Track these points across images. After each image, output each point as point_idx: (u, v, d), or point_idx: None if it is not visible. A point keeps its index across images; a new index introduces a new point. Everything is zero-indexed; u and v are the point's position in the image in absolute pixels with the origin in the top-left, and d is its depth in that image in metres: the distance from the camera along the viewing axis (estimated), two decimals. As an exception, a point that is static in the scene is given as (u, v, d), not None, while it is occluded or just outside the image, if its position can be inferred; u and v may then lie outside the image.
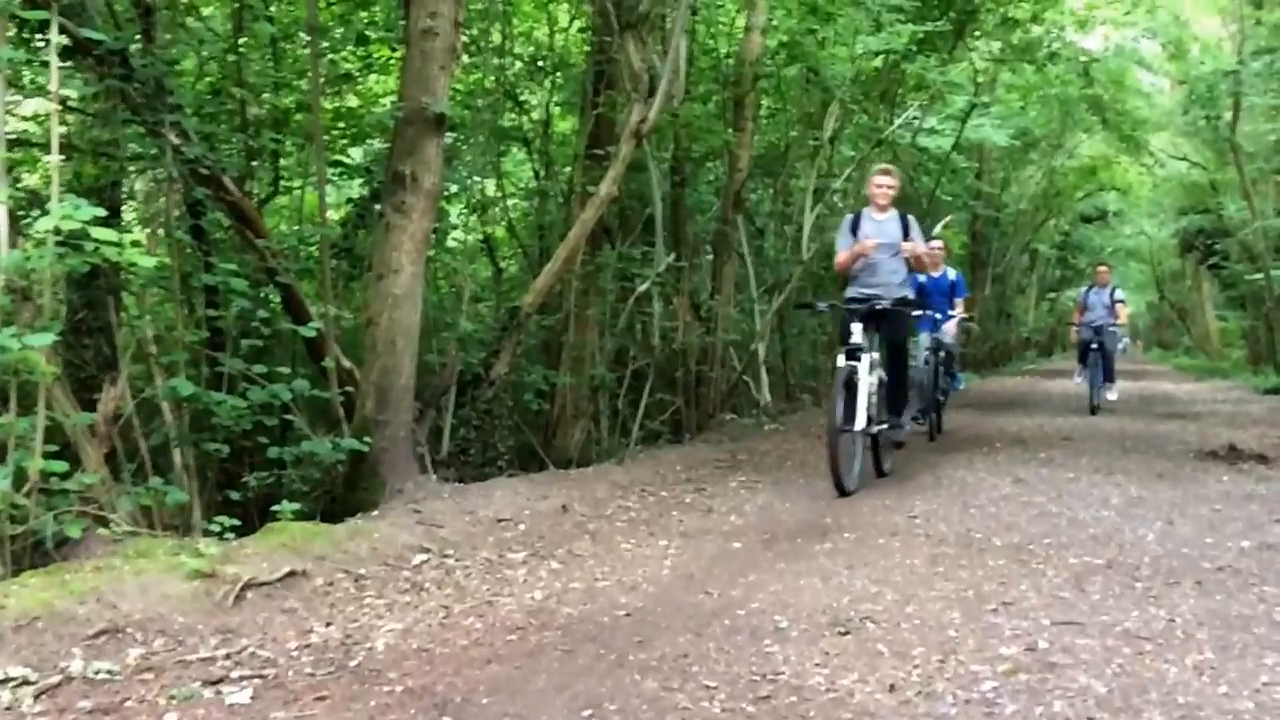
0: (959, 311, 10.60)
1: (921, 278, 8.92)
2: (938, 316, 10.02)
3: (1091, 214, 31.38)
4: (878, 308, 6.94)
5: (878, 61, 11.86)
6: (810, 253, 11.13)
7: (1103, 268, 14.02)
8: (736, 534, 5.52)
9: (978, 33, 14.18)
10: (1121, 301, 13.19)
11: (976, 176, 20.16)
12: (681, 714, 3.01)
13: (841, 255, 7.24)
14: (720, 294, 11.21)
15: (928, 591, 4.29)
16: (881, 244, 7.07)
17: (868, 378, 6.74)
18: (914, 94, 13.45)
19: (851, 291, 7.23)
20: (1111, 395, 13.19)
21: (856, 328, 6.79)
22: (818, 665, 3.41)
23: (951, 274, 10.58)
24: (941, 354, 10.20)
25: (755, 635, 3.73)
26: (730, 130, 11.16)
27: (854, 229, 7.23)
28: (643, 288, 9.42)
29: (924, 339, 10.05)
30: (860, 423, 6.66)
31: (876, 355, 6.99)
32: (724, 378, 11.05)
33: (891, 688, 3.20)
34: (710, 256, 11.97)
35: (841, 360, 6.75)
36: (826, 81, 11.20)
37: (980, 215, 21.72)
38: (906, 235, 7.13)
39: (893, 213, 7.22)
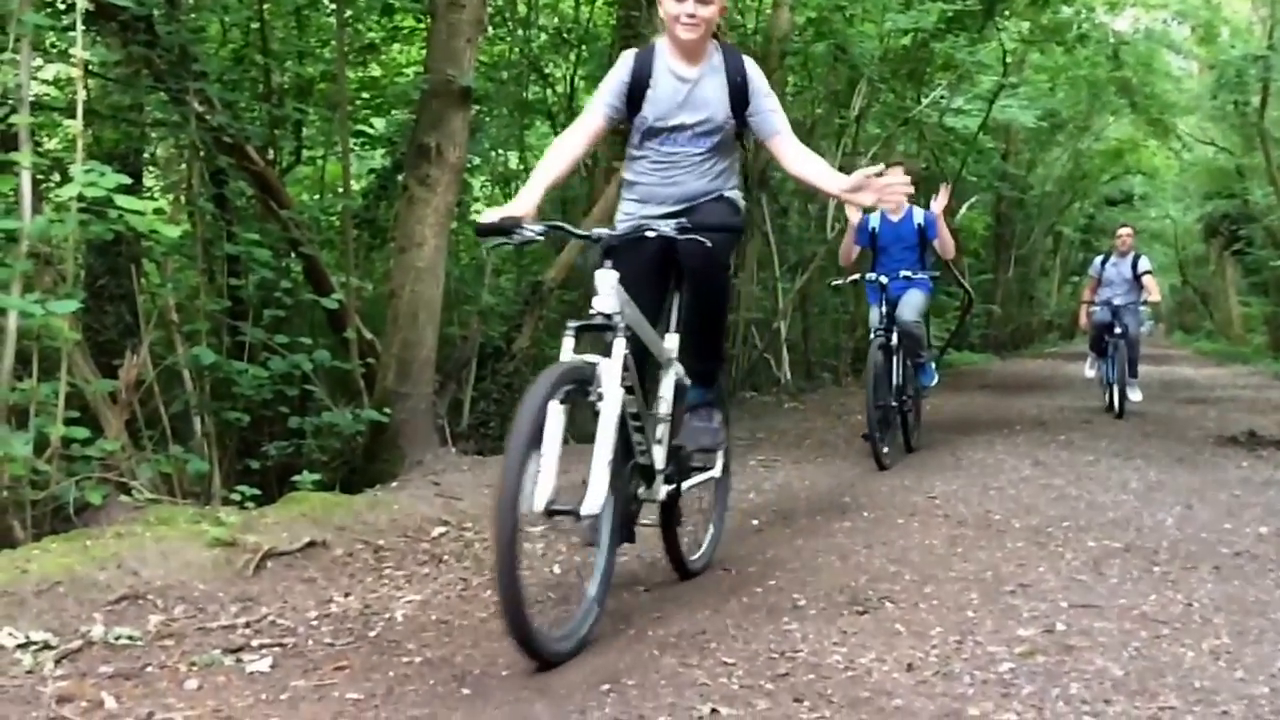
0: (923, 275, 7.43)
1: (873, 221, 7.37)
2: (885, 281, 7.20)
3: (1117, 197, 31.14)
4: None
5: (906, 39, 11.77)
6: (835, 232, 11.06)
7: (1124, 230, 11.08)
8: (755, 512, 5.51)
9: (1007, 12, 14.03)
10: (1149, 273, 10.55)
11: (1003, 157, 19.99)
12: (700, 689, 3.01)
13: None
14: (743, 271, 11.15)
15: (946, 572, 4.28)
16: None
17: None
18: (942, 73, 13.34)
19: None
20: (1135, 395, 10.54)
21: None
22: (836, 644, 3.40)
23: (919, 215, 7.51)
24: (901, 339, 7.12)
25: (773, 613, 3.73)
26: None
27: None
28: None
29: (872, 317, 7.44)
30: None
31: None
32: (745, 355, 11.02)
33: (909, 667, 3.19)
34: (733, 233, 11.91)
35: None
36: (854, 59, 11.11)
37: (1005, 197, 21.55)
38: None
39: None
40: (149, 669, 3.11)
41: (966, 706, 2.90)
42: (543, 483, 3.22)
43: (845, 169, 11.97)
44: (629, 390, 3.52)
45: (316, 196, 9.50)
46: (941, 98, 13.25)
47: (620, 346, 3.44)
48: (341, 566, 4.31)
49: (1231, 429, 9.13)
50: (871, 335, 7.23)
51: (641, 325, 3.67)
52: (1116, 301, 10.41)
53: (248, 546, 4.13)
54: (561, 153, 3.96)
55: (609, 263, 3.51)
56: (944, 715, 2.85)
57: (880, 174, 3.83)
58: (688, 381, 4.05)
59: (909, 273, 7.21)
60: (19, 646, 3.12)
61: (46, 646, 3.14)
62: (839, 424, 9.43)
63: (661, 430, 3.88)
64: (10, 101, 4.44)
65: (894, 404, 7.16)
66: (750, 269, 11.29)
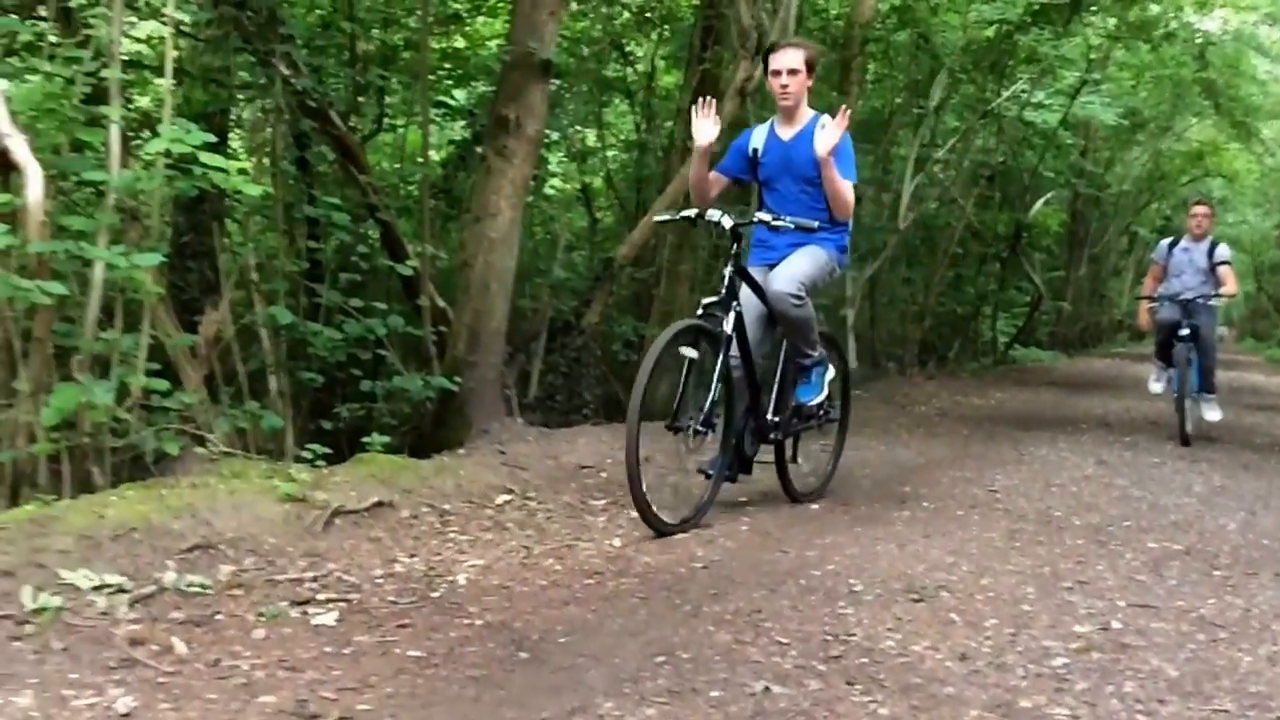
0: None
1: (755, 137, 5.20)
2: (769, 219, 4.91)
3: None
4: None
5: (990, 31, 11.58)
6: (908, 222, 10.94)
7: (1200, 208, 8.71)
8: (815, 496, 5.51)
9: (1094, 7, 13.76)
10: (1227, 263, 8.34)
11: (1081, 154, 19.57)
12: (753, 667, 3.04)
13: None
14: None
15: (1004, 565, 4.27)
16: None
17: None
18: (1024, 66, 13.10)
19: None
20: (1213, 414, 8.48)
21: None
22: (890, 630, 3.42)
23: (829, 133, 4.85)
24: (777, 327, 5.09)
25: (829, 596, 3.74)
26: (835, 93, 10.99)
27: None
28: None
29: (744, 298, 4.91)
30: None
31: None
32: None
33: (963, 656, 3.20)
34: (805, 218, 11.81)
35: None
36: (936, 48, 10.96)
37: (1082, 194, 21.11)
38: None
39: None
40: (218, 617, 3.20)
41: (1018, 698, 2.90)
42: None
43: (921, 160, 11.78)
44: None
45: (396, 165, 9.59)
46: (1022, 91, 13.02)
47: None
48: (407, 528, 4.39)
49: (1300, 437, 8.95)
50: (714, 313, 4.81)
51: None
52: (1187, 295, 8.26)
53: (317, 503, 4.22)
54: None
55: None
56: (995, 706, 2.85)
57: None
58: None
59: (805, 223, 4.82)
60: (94, 589, 3.20)
61: (120, 590, 3.23)
62: (901, 414, 9.41)
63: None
64: (103, 57, 4.54)
65: (744, 426, 5.08)
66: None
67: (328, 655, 2.97)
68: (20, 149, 4.18)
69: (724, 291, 4.83)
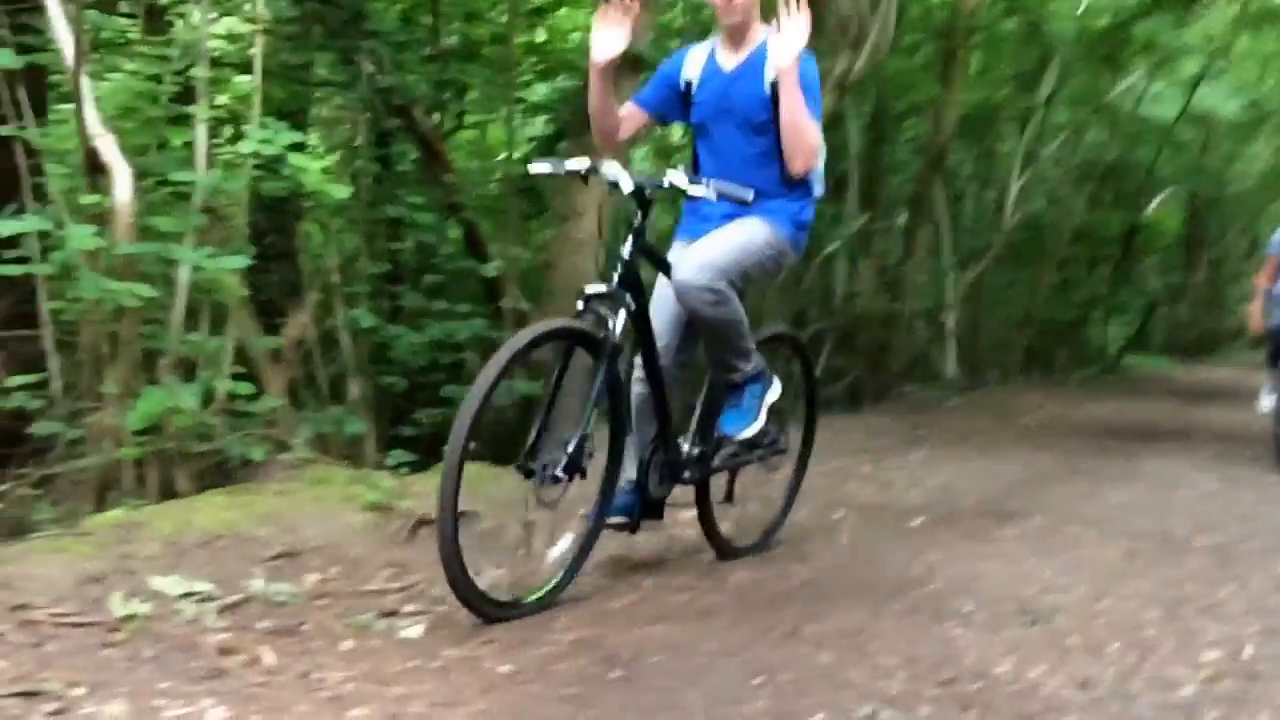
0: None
1: (688, 66, 3.93)
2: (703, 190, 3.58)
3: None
4: None
5: (1104, 20, 11.16)
6: (1014, 221, 10.60)
7: None
8: (916, 511, 5.29)
9: (1217, -7, 13.16)
10: None
11: (1200, 150, 18.82)
12: (858, 690, 2.87)
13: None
14: (912, 259, 10.79)
15: (1123, 587, 4.01)
16: None
17: None
18: (1140, 57, 12.57)
19: None
20: None
21: None
22: (1003, 654, 3.21)
23: (790, 34, 3.68)
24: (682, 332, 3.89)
25: (936, 617, 3.55)
26: (938, 85, 10.67)
27: None
28: (831, 248, 9.16)
29: (659, 290, 3.87)
30: None
31: None
32: (908, 347, 10.68)
33: (1083, 684, 2.99)
34: (904, 219, 11.50)
35: None
36: (1046, 38, 10.58)
37: (1200, 193, 20.26)
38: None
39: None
40: (305, 626, 3.13)
41: (1146, 731, 2.70)
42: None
43: (1029, 157, 11.37)
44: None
45: (475, 162, 9.53)
46: (1138, 83, 12.50)
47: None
48: (490, 539, 4.29)
49: None
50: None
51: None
52: None
53: (401, 512, 4.14)
54: None
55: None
56: (1122, 740, 2.66)
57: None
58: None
59: (735, 192, 3.50)
60: (182, 596, 3.16)
61: (208, 598, 3.18)
62: (1005, 425, 9.05)
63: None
64: (189, 55, 4.52)
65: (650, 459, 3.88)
66: (919, 257, 10.93)
67: (415, 670, 2.87)
68: (109, 149, 4.18)
69: (616, 279, 3.52)
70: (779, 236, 3.80)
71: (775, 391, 4.00)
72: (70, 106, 4.42)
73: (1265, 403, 7.64)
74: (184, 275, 4.36)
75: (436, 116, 7.78)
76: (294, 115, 7.36)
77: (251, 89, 4.89)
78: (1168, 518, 5.38)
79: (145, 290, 4.04)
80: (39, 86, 4.90)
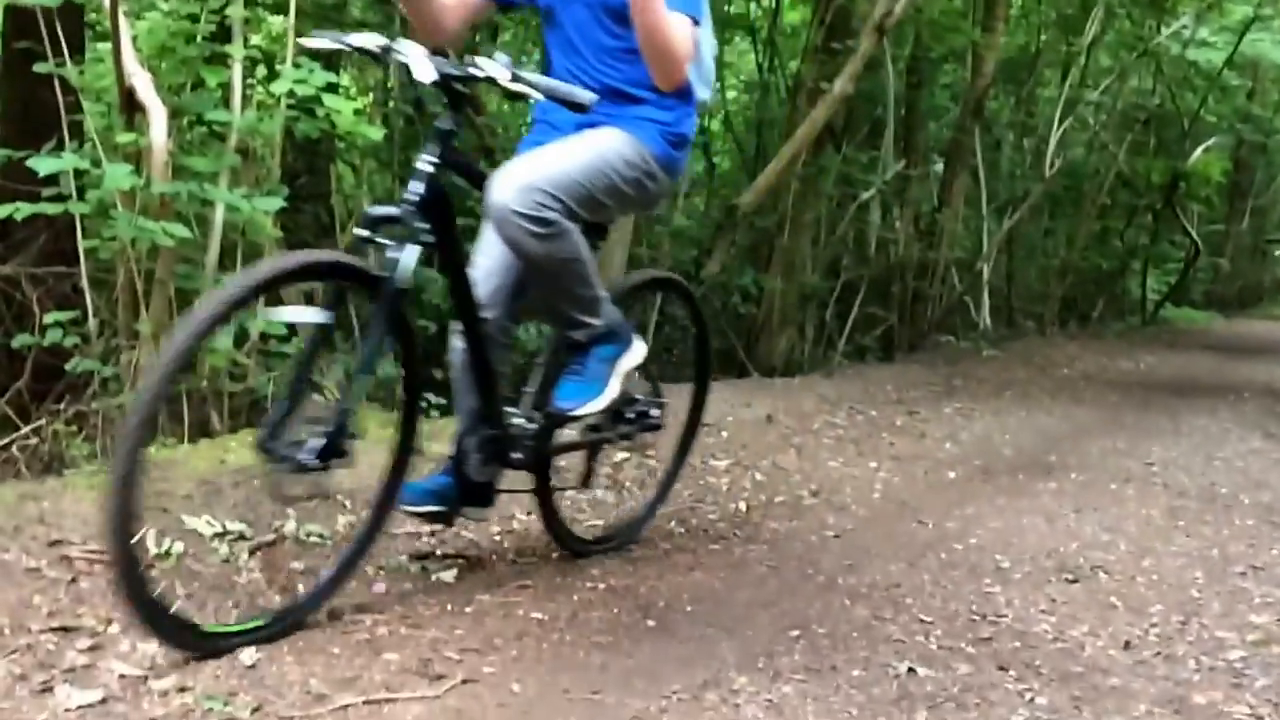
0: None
1: None
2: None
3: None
4: None
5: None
6: (1053, 169, 10.37)
7: None
8: (951, 463, 5.23)
9: (1269, -69, 12.73)
10: None
11: (1248, 97, 18.30)
12: (895, 646, 2.84)
13: None
14: (948, 208, 10.61)
15: (1166, 546, 3.96)
16: None
17: None
18: (1188, 0, 12.22)
19: None
20: None
21: None
22: (1043, 612, 3.18)
23: None
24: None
25: (974, 572, 3.51)
26: (977, 30, 10.42)
27: None
28: (866, 195, 9.01)
29: (485, 244, 3.14)
30: None
31: None
32: (942, 296, 10.54)
33: (1126, 645, 2.95)
34: (940, 167, 11.30)
35: None
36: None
37: (1247, 141, 19.74)
38: None
39: None
40: (338, 569, 3.12)
41: (1191, 693, 2.66)
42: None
43: (1071, 103, 11.09)
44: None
45: (507, 106, 9.42)
46: (1184, 28, 12.14)
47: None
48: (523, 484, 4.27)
49: None
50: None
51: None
52: None
53: (431, 455, 4.10)
54: None
55: None
56: (1167, 701, 2.61)
57: None
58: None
59: (571, 95, 2.71)
60: (216, 536, 3.15)
61: (241, 538, 3.17)
62: (1043, 376, 8.91)
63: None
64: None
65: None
66: (955, 206, 10.75)
67: (449, 614, 2.86)
68: (145, 88, 4.13)
69: (409, 200, 2.66)
70: (645, 153, 2.96)
71: (635, 355, 3.14)
72: (107, 45, 4.37)
73: None
74: (219, 215, 4.33)
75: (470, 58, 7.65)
76: (327, 56, 7.28)
77: (285, 29, 4.81)
78: (1212, 475, 5.29)
79: (180, 230, 4.00)
80: (76, 24, 4.86)
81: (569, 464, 3.66)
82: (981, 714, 2.49)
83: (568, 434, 3.42)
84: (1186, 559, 3.80)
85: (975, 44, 10.36)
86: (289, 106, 4.49)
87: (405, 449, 2.94)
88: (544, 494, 3.31)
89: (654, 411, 3.52)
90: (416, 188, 2.67)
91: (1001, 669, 2.74)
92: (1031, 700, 2.57)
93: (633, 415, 3.44)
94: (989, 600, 3.25)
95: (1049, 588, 3.40)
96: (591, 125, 2.94)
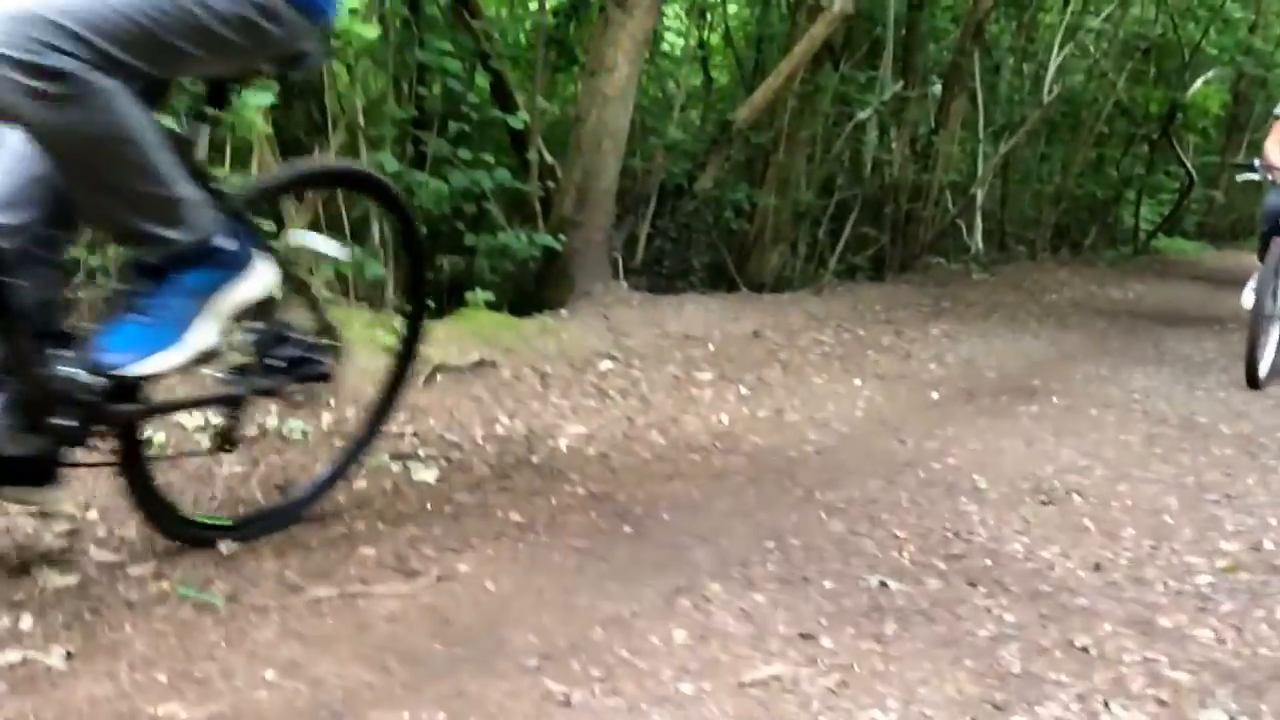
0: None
1: None
2: None
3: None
4: None
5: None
6: (1052, 95, 10.24)
7: None
8: (935, 384, 5.25)
9: None
10: None
11: (1250, 29, 18.07)
12: (868, 560, 2.87)
13: None
14: (944, 130, 10.51)
15: (1143, 472, 3.98)
16: None
17: None
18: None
19: None
20: None
21: None
22: (1017, 532, 3.21)
23: None
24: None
25: (951, 492, 3.53)
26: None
27: None
28: (863, 115, 8.91)
29: None
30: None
31: None
32: (935, 219, 10.49)
33: (1096, 566, 2.98)
34: (938, 89, 11.17)
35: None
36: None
37: (1247, 74, 19.52)
38: None
39: None
40: (319, 465, 3.09)
41: (1158, 616, 2.68)
42: None
43: (1071, 30, 10.91)
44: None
45: (506, 11, 9.25)
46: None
47: None
48: (508, 388, 4.27)
49: None
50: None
51: None
52: None
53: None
54: None
55: None
56: (1133, 622, 2.63)
57: None
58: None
59: None
60: (198, 429, 3.17)
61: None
62: (1031, 301, 8.92)
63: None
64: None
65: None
66: (952, 128, 10.64)
67: (428, 512, 2.88)
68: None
69: None
70: None
71: (253, 284, 2.29)
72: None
73: (1248, 298, 6.10)
74: (208, 109, 4.24)
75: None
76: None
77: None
78: (1192, 404, 5.31)
79: (168, 123, 3.93)
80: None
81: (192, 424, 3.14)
82: (949, 627, 2.51)
83: (192, 383, 2.63)
84: (1162, 485, 3.83)
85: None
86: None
87: None
88: (133, 467, 2.33)
89: (318, 356, 2.58)
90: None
91: (971, 585, 2.76)
92: (1000, 617, 2.59)
93: (282, 362, 2.50)
94: (963, 519, 3.28)
95: (1023, 509, 3.43)
96: None
